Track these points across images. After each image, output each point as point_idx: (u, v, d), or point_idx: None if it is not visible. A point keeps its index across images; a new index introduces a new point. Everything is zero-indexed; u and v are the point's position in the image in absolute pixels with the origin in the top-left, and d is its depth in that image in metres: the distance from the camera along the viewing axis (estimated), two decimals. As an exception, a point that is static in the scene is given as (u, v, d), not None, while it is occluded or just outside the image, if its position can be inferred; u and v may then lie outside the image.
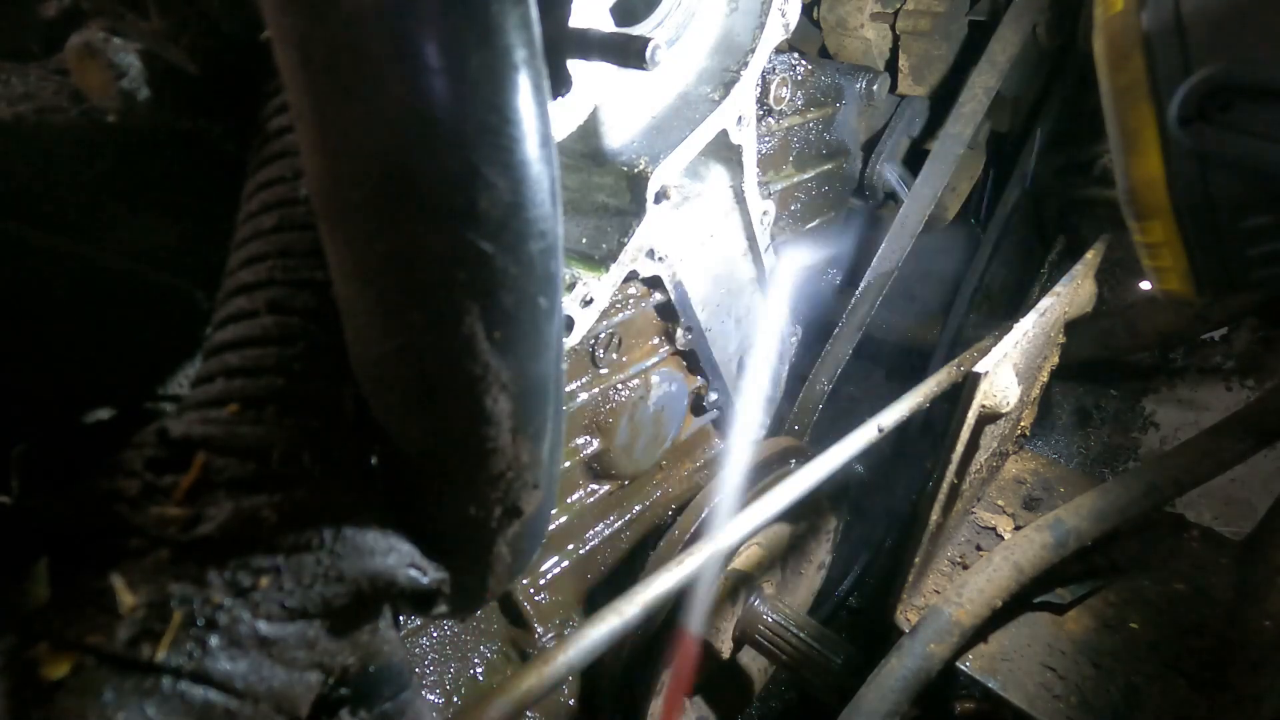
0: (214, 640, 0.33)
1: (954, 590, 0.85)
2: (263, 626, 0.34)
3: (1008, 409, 0.67)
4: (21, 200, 0.49)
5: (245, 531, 0.35)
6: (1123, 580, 0.98)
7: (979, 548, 1.00)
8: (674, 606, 0.92)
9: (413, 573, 0.38)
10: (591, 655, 0.49)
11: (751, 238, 1.02)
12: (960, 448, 0.72)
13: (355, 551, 0.36)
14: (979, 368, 0.66)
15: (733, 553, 0.90)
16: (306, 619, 0.36)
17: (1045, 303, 0.81)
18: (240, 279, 0.41)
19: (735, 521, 0.63)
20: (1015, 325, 0.74)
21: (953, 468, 0.73)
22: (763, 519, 0.64)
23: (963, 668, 0.89)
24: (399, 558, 0.38)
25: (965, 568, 0.97)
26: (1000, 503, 1.06)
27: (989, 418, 0.69)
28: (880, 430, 0.75)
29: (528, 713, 0.93)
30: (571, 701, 0.98)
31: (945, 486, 0.75)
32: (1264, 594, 0.86)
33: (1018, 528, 1.01)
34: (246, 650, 0.34)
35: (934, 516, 0.78)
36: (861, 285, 1.22)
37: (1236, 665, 0.84)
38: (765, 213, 1.01)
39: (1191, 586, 0.97)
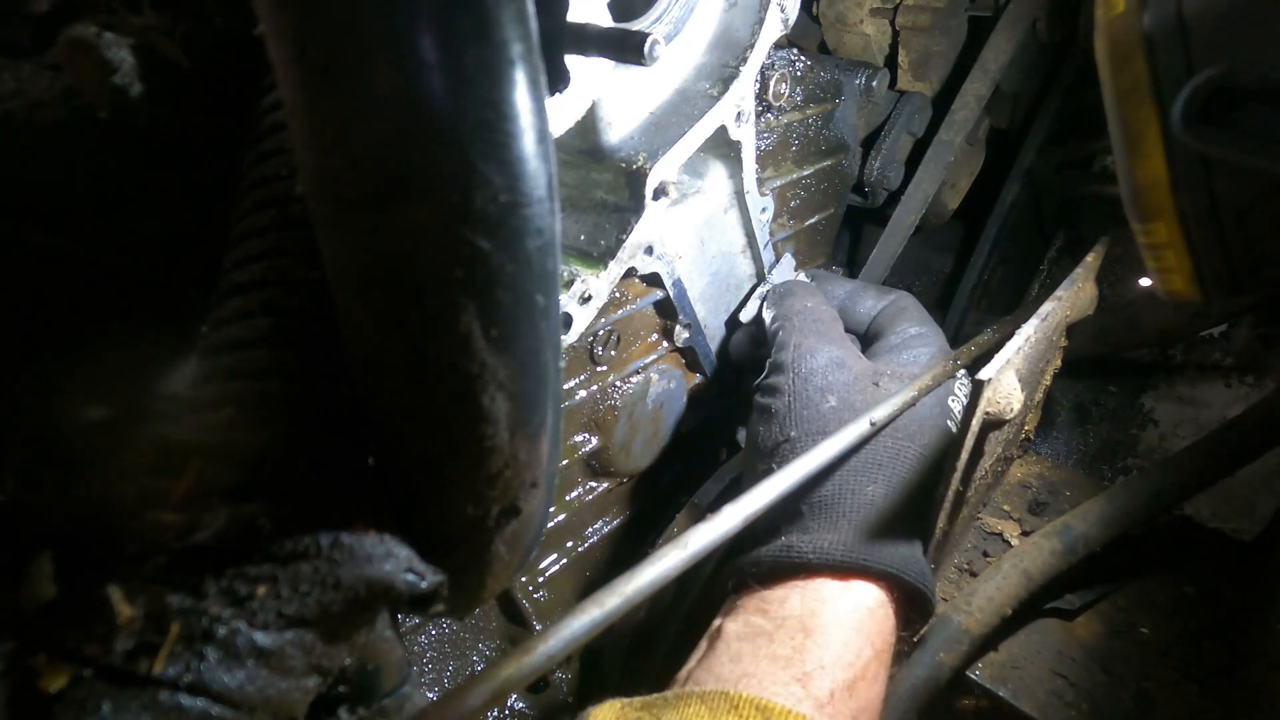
0: (211, 652, 0.33)
1: (963, 598, 0.84)
2: (259, 637, 0.34)
3: (1012, 415, 0.66)
4: (12, 197, 0.49)
5: (241, 540, 0.34)
6: (1132, 585, 0.97)
7: (986, 554, 0.99)
8: (679, 596, 0.92)
9: (410, 577, 0.38)
10: (572, 645, 0.49)
11: (750, 234, 1.02)
12: (965, 455, 0.71)
13: (352, 558, 0.36)
14: (982, 374, 0.65)
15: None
16: (304, 626, 0.35)
17: (1047, 307, 0.80)
18: (235, 279, 0.41)
19: (721, 515, 0.62)
20: (1017, 330, 0.73)
21: (958, 475, 0.73)
22: (750, 512, 0.64)
23: (972, 676, 0.88)
24: (396, 563, 0.37)
25: (973, 575, 0.97)
26: (1006, 508, 1.05)
27: (993, 424, 0.68)
28: (872, 424, 0.75)
29: (522, 705, 0.93)
30: (570, 700, 0.98)
31: (951, 494, 0.74)
32: (1275, 596, 0.86)
33: (1025, 533, 1.00)
34: (243, 661, 0.34)
35: (940, 524, 0.77)
36: None
37: (1249, 669, 0.83)
38: (764, 209, 1.00)
39: (1201, 590, 0.96)
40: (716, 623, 0.76)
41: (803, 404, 0.82)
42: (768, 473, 0.80)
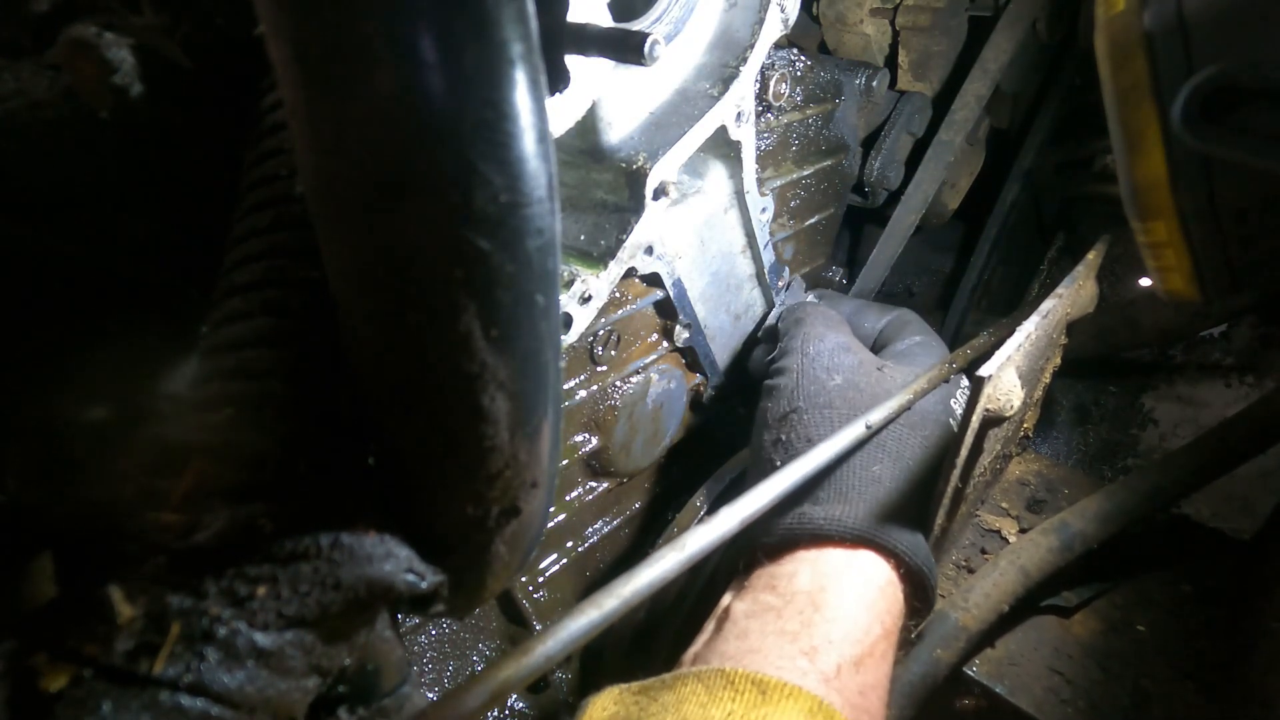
0: (211, 652, 0.33)
1: (960, 595, 0.84)
2: (259, 638, 0.34)
3: (1012, 412, 0.66)
4: (12, 197, 0.49)
5: (242, 540, 0.34)
6: (1129, 582, 0.97)
7: (984, 551, 0.99)
8: (679, 597, 0.92)
9: (410, 578, 0.38)
10: (570, 646, 0.49)
11: (750, 234, 1.02)
12: (964, 452, 0.71)
13: (352, 558, 0.36)
14: (983, 371, 0.65)
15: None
16: (304, 626, 0.35)
17: (1047, 305, 0.80)
18: (235, 279, 0.41)
19: (718, 517, 0.62)
20: (1017, 328, 0.73)
21: (957, 472, 0.73)
22: (747, 514, 0.64)
23: (970, 673, 0.88)
24: (396, 564, 0.37)
25: (971, 572, 0.97)
26: (1004, 505, 1.06)
27: (993, 421, 0.68)
28: (868, 427, 0.75)
29: (522, 705, 0.93)
30: (570, 700, 0.98)
31: (950, 491, 0.74)
32: (1272, 594, 0.86)
33: (1022, 530, 1.01)
34: (243, 661, 0.34)
35: (939, 521, 0.77)
36: (854, 288, 1.26)
37: (1246, 666, 0.83)
38: (764, 209, 1.00)
39: (1198, 588, 0.96)
40: (725, 602, 0.76)
41: (809, 380, 0.85)
42: (775, 443, 0.81)
